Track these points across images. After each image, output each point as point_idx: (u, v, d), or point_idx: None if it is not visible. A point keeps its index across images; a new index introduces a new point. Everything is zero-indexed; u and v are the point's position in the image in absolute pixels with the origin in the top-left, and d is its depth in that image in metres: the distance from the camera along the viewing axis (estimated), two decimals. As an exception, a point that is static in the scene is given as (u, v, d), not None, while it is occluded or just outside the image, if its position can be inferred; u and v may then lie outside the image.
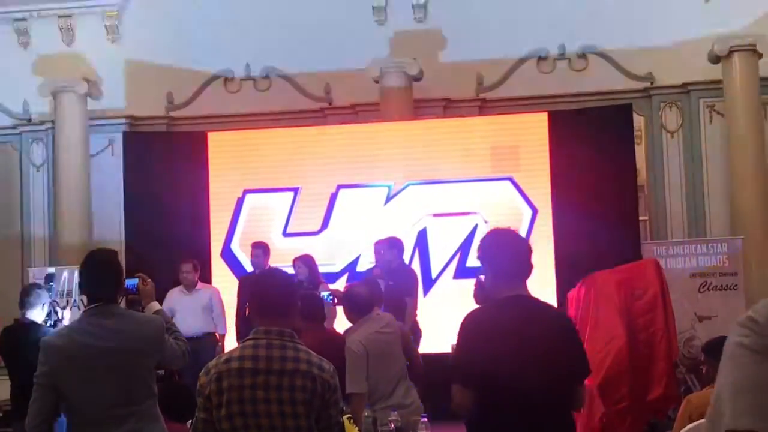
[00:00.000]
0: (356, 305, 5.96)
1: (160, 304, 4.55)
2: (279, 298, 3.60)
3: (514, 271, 3.77)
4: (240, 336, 9.04)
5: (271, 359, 3.48)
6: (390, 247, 8.67)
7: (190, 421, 3.94)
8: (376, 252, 8.82)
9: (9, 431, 6.51)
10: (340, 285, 9.15)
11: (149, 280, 4.50)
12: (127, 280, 4.24)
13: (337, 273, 10.12)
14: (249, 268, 9.85)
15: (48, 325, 6.72)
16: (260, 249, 9.30)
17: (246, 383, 3.46)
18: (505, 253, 3.78)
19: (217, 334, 9.42)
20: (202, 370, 3.58)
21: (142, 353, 3.94)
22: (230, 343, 9.06)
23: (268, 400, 3.45)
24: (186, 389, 4.73)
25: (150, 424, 3.91)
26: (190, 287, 9.39)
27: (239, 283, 9.50)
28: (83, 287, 4.04)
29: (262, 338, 3.53)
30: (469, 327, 3.67)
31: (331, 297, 7.84)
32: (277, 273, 3.85)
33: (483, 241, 3.88)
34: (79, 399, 3.85)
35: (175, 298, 9.30)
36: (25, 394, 6.18)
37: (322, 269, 9.51)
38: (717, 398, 1.96)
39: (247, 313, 3.92)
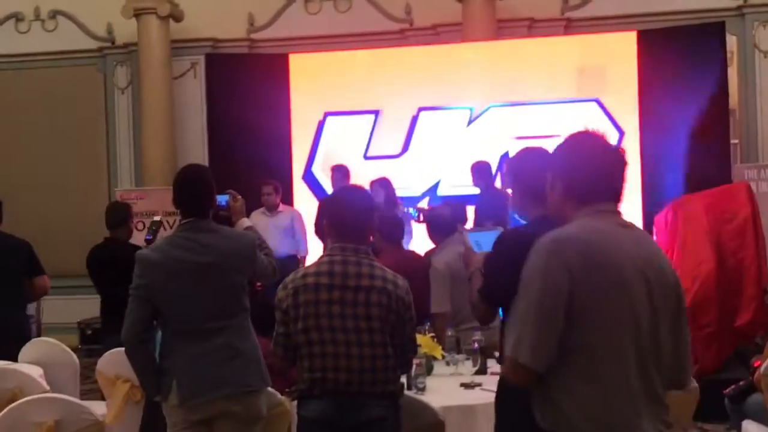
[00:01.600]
0: (439, 226, 5.97)
1: None
2: (356, 216, 3.60)
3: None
4: None
5: (346, 275, 3.51)
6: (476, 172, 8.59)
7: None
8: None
9: (100, 347, 6.64)
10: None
11: (239, 197, 4.54)
12: (218, 197, 4.24)
13: (417, 197, 10.07)
14: (330, 191, 9.85)
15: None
16: (340, 172, 9.29)
17: (322, 298, 3.50)
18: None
19: (298, 256, 9.47)
20: (280, 285, 3.62)
21: (235, 268, 3.98)
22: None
23: (343, 315, 3.49)
24: (270, 306, 4.76)
25: (242, 338, 3.96)
26: (272, 209, 9.41)
27: (319, 205, 9.51)
28: (177, 202, 4.06)
29: (338, 255, 3.55)
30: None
31: (417, 212, 7.79)
32: (356, 191, 3.81)
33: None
34: (174, 312, 3.91)
35: (257, 219, 9.34)
36: (115, 311, 6.36)
37: (402, 193, 9.50)
38: None
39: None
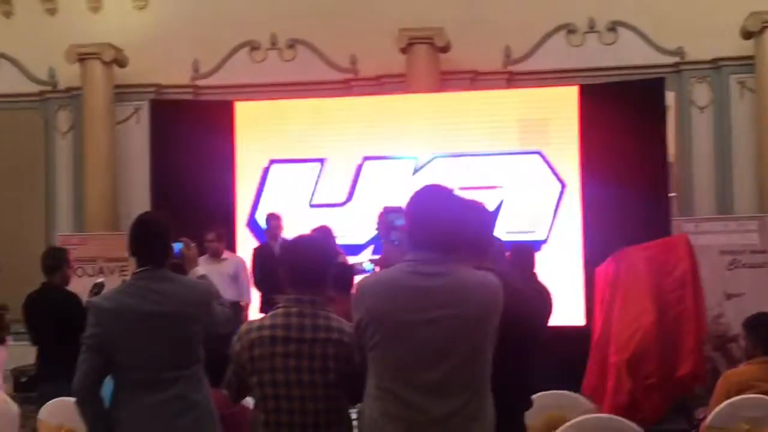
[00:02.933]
0: None
1: None
2: (314, 267, 3.57)
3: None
4: (263, 304, 9.06)
5: (303, 328, 3.47)
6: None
7: None
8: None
9: (35, 395, 6.52)
10: (365, 257, 9.10)
11: (193, 245, 4.51)
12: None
13: (362, 245, 10.08)
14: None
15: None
16: (274, 221, 9.33)
17: (278, 351, 3.46)
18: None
19: (242, 303, 9.40)
20: (235, 337, 3.57)
21: (191, 317, 3.94)
22: (255, 313, 9.07)
23: (299, 369, 3.44)
24: (220, 354, 4.71)
25: (197, 389, 3.91)
26: (216, 256, 9.35)
27: (253, 253, 9.48)
28: (132, 250, 4.02)
29: (294, 306, 3.51)
30: None
31: (373, 266, 7.72)
32: (314, 241, 3.80)
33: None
34: (128, 361, 3.85)
35: (202, 267, 9.25)
36: (51, 358, 6.25)
37: (347, 241, 9.51)
38: None
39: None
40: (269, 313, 3.58)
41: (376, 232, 8.48)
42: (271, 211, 9.60)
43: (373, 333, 3.08)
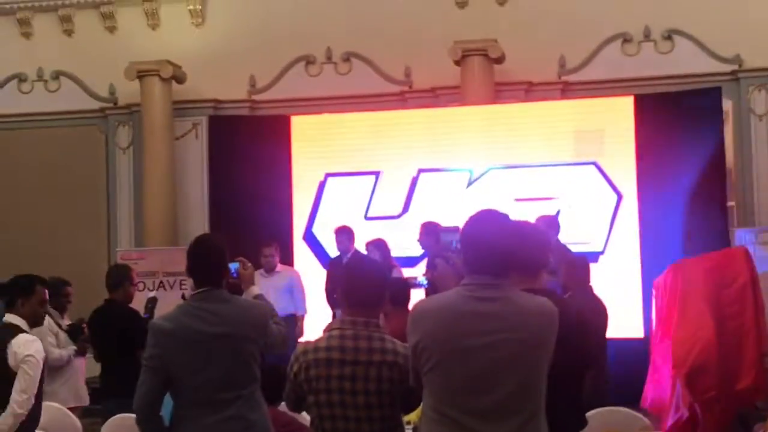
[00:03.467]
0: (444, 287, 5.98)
1: None
2: (368, 290, 3.63)
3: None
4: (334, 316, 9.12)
5: (358, 350, 3.53)
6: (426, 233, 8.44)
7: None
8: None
9: (99, 408, 6.67)
10: (421, 269, 9.13)
11: (249, 264, 4.57)
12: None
13: (417, 257, 10.09)
14: (331, 252, 9.94)
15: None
16: (344, 235, 9.36)
17: (333, 374, 3.52)
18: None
19: (297, 315, 9.50)
20: (292, 357, 3.63)
21: (248, 338, 3.99)
22: (313, 324, 9.13)
23: (354, 392, 3.50)
24: (277, 371, 4.77)
25: (254, 409, 3.96)
26: (271, 270, 9.47)
27: (328, 273, 9.55)
28: (190, 271, 4.10)
29: (349, 329, 3.57)
30: None
31: (427, 281, 7.74)
32: (368, 264, 3.85)
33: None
34: (186, 382, 3.91)
35: (257, 281, 9.38)
36: (114, 372, 6.39)
37: (402, 253, 9.55)
38: None
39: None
40: (325, 335, 3.63)
41: (418, 243, 8.56)
42: (338, 225, 9.63)
43: (429, 356, 3.12)
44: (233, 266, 4.43)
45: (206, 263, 4.05)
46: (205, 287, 4.02)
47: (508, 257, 3.18)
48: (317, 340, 3.63)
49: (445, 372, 3.09)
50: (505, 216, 3.32)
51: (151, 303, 6.99)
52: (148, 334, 3.96)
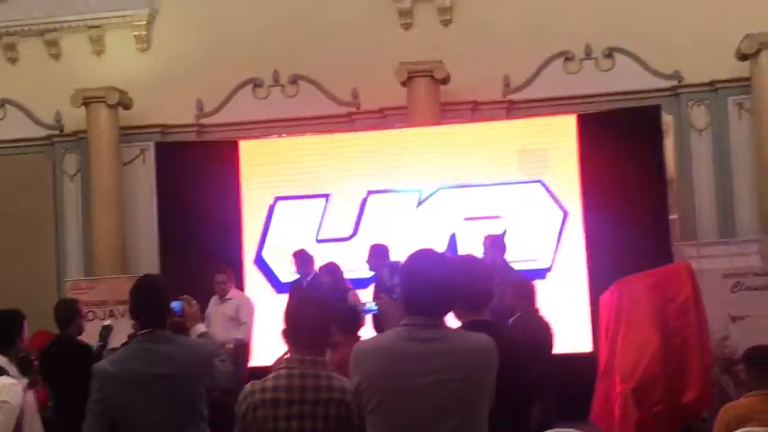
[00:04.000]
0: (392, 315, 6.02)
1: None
2: (313, 329, 3.65)
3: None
4: None
5: (304, 389, 3.55)
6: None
7: None
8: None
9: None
10: (370, 291, 9.18)
11: (194, 302, 4.60)
12: (172, 303, 4.32)
13: (368, 278, 10.15)
14: (282, 276, 10.00)
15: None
16: (302, 258, 9.43)
17: (281, 414, 3.54)
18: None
19: (245, 341, 9.48)
20: (240, 396, 3.65)
21: (192, 378, 4.03)
22: (265, 349, 9.11)
23: (302, 430, 3.53)
24: (226, 408, 4.81)
25: None
26: (222, 296, 9.49)
27: (290, 290, 9.56)
28: (133, 313, 4.13)
29: (296, 368, 3.60)
30: None
31: (377, 306, 7.76)
32: (313, 301, 3.87)
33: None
34: (132, 424, 3.94)
35: (210, 307, 9.43)
36: (67, 407, 6.36)
37: (353, 275, 9.58)
38: None
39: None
40: (272, 374, 3.67)
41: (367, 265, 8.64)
42: (296, 249, 9.64)
43: (370, 398, 3.18)
44: (177, 305, 4.46)
45: (148, 305, 4.08)
46: (149, 328, 4.05)
47: (451, 294, 3.24)
48: (264, 380, 3.67)
49: (386, 413, 3.15)
50: (442, 255, 3.40)
51: (106, 331, 6.99)
52: (93, 379, 3.98)
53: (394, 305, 5.70)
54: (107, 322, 7.26)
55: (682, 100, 11.25)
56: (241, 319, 9.46)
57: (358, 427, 3.40)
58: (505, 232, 9.20)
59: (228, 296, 9.51)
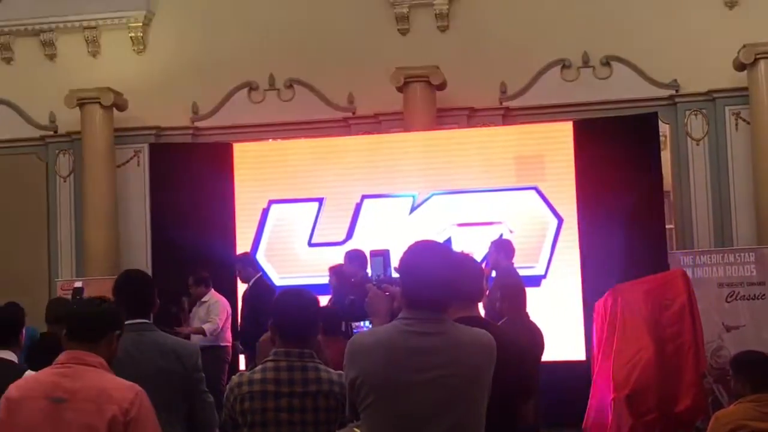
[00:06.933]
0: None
1: None
2: (301, 320, 3.63)
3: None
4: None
5: (293, 381, 3.53)
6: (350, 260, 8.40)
7: None
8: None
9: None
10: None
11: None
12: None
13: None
14: (275, 278, 9.99)
15: None
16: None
17: (269, 406, 3.52)
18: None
19: (221, 344, 9.51)
20: (227, 388, 3.61)
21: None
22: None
23: (291, 422, 3.51)
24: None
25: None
26: (196, 299, 9.60)
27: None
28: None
29: (283, 360, 3.57)
30: None
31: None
32: (300, 295, 3.81)
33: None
34: None
35: (194, 311, 9.54)
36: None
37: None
38: None
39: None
40: (259, 367, 3.62)
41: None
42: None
43: (367, 393, 3.08)
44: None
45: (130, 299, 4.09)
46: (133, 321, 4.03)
47: (449, 289, 3.16)
48: (252, 372, 3.63)
49: (383, 408, 3.07)
50: (440, 246, 3.33)
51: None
52: None
53: (383, 298, 5.65)
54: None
55: (679, 109, 11.21)
56: (210, 317, 9.47)
57: (347, 420, 3.36)
58: (501, 236, 9.17)
59: (204, 299, 9.55)
